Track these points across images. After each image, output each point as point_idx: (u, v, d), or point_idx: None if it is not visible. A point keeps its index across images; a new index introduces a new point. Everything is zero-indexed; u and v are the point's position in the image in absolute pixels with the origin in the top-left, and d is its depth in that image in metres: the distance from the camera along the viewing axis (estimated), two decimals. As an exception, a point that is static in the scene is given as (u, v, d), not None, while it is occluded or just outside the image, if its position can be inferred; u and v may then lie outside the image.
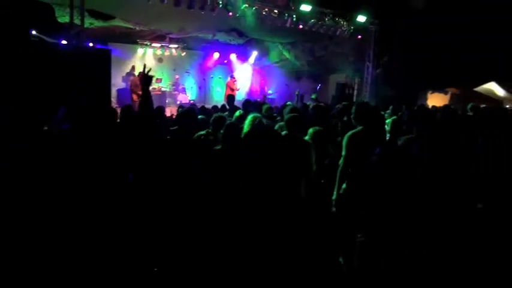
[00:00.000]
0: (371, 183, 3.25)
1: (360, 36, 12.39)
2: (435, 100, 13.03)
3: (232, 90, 13.11)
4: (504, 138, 4.43)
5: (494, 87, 12.47)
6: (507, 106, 12.22)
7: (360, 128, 3.50)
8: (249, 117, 4.21)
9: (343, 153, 3.50)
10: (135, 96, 11.77)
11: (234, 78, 13.68)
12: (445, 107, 8.20)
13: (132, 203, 3.21)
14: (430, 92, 13.72)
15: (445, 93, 13.92)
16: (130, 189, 3.28)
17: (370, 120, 3.46)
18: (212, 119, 3.99)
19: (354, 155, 3.41)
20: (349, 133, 3.51)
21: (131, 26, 11.71)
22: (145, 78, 3.37)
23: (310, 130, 4.08)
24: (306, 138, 4.06)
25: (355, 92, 13.75)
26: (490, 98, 12.77)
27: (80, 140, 3.35)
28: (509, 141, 4.37)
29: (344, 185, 3.44)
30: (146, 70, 3.36)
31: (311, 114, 5.63)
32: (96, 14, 10.31)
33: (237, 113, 4.48)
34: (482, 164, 4.01)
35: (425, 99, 13.57)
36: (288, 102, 8.05)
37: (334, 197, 3.56)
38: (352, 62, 13.73)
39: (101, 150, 3.24)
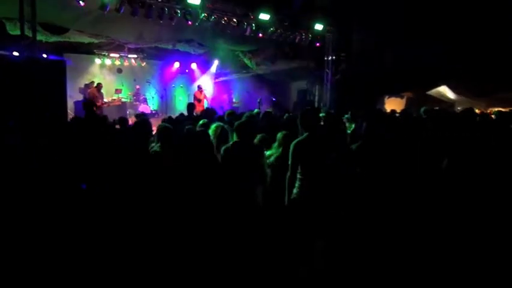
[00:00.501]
0: (324, 186, 3.33)
1: (318, 44, 12.70)
2: (392, 104, 13.54)
3: (200, 101, 12.95)
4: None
5: (445, 91, 13.13)
6: (458, 108, 12.89)
7: (305, 135, 3.57)
8: (212, 126, 4.23)
9: (289, 161, 3.54)
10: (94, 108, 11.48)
11: (201, 88, 13.47)
12: (404, 110, 8.56)
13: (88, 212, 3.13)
14: (387, 96, 14.25)
15: (401, 97, 14.51)
16: (86, 197, 3.19)
17: (315, 127, 3.54)
18: (157, 131, 3.95)
19: (300, 161, 3.47)
20: (295, 141, 3.57)
21: (87, 39, 11.37)
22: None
23: (279, 135, 4.14)
24: (275, 144, 4.12)
25: (316, 98, 14.06)
26: (443, 100, 13.44)
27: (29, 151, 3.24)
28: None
29: (295, 190, 3.50)
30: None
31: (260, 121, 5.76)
32: (49, 28, 9.95)
33: (201, 122, 4.48)
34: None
35: (383, 103, 14.07)
36: (256, 110, 8.11)
37: (286, 203, 3.62)
38: (312, 69, 14.05)
39: (53, 160, 3.15)
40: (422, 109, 7.08)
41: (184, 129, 4.67)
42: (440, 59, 11.54)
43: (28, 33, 7.64)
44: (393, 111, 8.96)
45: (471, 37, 11.07)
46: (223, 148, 3.82)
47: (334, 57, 13.13)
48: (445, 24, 11.14)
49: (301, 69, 14.11)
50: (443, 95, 13.37)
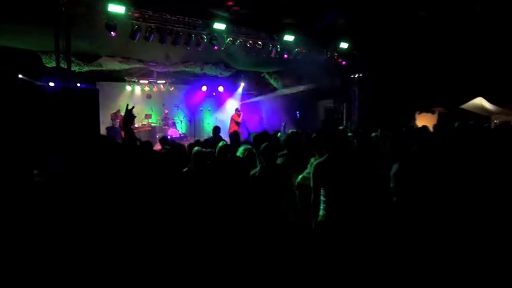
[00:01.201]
0: (348, 208, 3.32)
1: (344, 62, 12.73)
2: (424, 120, 13.27)
3: (238, 124, 13.05)
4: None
5: (482, 102, 12.72)
6: (495, 121, 12.47)
7: (325, 156, 3.59)
8: (240, 149, 4.30)
9: (311, 184, 3.57)
10: (123, 133, 11.89)
11: (238, 111, 13.56)
12: (437, 125, 8.37)
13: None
14: (418, 112, 14.00)
15: (433, 112, 14.22)
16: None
17: (334, 148, 3.55)
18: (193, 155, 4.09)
19: (322, 183, 3.48)
20: (314, 163, 3.61)
21: (118, 65, 11.89)
22: (128, 117, 3.55)
23: (312, 160, 4.13)
24: (307, 170, 4.13)
25: (344, 117, 13.99)
26: (478, 114, 13.03)
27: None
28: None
29: (320, 212, 3.49)
30: (130, 107, 3.51)
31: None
32: (81, 57, 10.56)
33: (221, 144, 4.55)
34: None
35: (414, 119, 13.82)
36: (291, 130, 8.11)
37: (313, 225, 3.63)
38: (339, 87, 14.05)
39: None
40: (456, 124, 6.93)
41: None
42: (473, 69, 11.27)
43: (63, 64, 8.12)
44: (425, 127, 8.79)
45: (507, 41, 10.70)
46: (251, 173, 3.87)
47: (360, 75, 13.11)
48: (476, 30, 10.85)
49: (327, 87, 14.13)
50: (480, 107, 12.92)
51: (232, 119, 13.37)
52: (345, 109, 14.09)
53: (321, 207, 3.52)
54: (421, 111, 14.00)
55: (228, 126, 13.14)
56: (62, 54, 7.94)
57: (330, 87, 13.88)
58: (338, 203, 3.41)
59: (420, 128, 9.24)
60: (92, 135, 6.91)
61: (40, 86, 9.54)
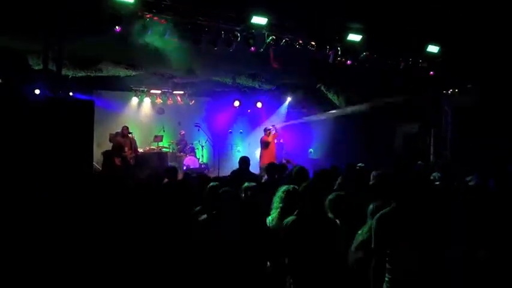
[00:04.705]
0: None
1: (432, 73, 12.64)
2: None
3: (267, 145, 12.74)
4: None
5: None
6: None
7: (392, 205, 3.54)
8: (280, 190, 4.42)
9: (372, 244, 3.48)
10: (117, 160, 12.20)
11: (268, 130, 12.94)
12: None
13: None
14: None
15: None
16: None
17: (403, 194, 3.51)
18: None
19: (388, 245, 3.41)
20: (378, 214, 3.53)
21: (123, 72, 12.51)
22: None
23: (371, 207, 4.15)
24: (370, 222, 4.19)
25: (432, 149, 13.78)
26: None
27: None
28: None
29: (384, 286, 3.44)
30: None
31: None
32: (77, 62, 11.22)
33: (246, 184, 4.71)
34: None
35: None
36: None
37: None
38: (426, 106, 13.92)
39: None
40: None
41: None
42: None
43: (52, 67, 8.68)
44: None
45: None
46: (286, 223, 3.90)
47: (456, 90, 12.95)
48: None
49: (409, 106, 14.04)
50: None
51: (261, 142, 12.85)
52: (432, 137, 13.89)
53: (386, 279, 3.43)
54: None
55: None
56: (51, 57, 8.47)
57: (412, 106, 13.80)
58: (408, 275, 3.37)
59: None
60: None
61: (21, 96, 10.20)
